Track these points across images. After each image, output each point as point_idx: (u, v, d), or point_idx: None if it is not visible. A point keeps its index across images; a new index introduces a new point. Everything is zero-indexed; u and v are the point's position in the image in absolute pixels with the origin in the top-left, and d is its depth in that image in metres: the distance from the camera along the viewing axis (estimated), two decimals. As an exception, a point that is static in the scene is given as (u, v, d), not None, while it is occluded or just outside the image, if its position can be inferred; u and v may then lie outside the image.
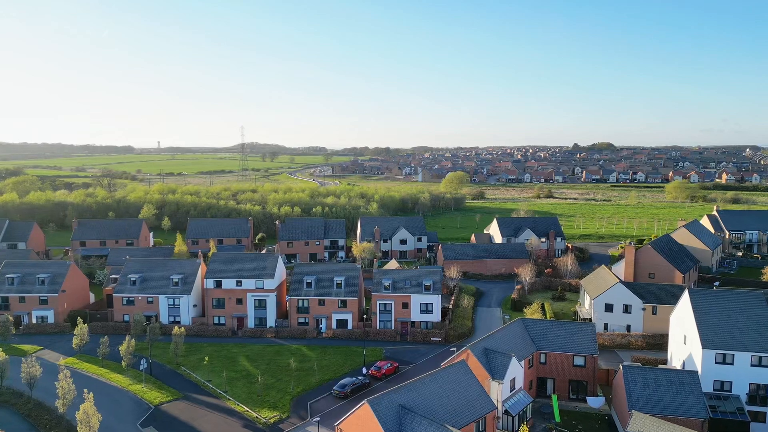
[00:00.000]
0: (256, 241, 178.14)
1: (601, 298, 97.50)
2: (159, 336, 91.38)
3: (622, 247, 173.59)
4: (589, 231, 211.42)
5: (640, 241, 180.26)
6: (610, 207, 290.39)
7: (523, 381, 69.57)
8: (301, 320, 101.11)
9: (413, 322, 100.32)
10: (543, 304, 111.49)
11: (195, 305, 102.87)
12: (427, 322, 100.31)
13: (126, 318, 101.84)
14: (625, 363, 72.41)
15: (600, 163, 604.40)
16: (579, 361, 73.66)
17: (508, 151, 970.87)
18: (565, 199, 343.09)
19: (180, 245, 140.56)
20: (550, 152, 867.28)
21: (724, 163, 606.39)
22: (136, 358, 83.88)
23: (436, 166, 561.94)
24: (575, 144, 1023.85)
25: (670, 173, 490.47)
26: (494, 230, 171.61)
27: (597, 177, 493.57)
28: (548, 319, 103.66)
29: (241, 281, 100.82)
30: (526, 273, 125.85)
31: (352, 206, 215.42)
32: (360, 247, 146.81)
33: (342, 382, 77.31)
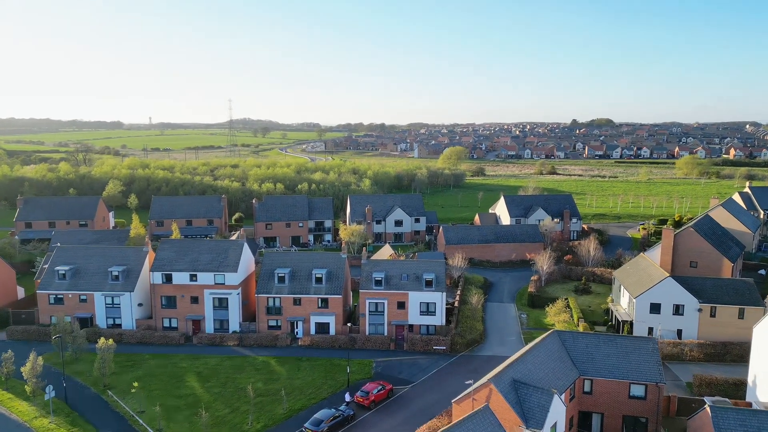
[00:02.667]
0: (233, 222, 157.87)
1: (647, 296, 78.12)
2: (86, 346, 71.70)
3: (644, 228, 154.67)
4: (602, 210, 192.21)
5: (663, 222, 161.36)
6: (620, 184, 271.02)
7: (565, 421, 50.27)
8: (272, 324, 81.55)
9: (411, 326, 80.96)
10: (567, 300, 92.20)
11: (140, 304, 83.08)
12: (428, 326, 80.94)
13: (55, 320, 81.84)
14: (709, 400, 53.23)
15: (601, 138, 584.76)
16: (637, 390, 54.32)
17: (506, 127, 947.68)
18: (570, 175, 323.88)
19: (137, 227, 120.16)
20: (548, 128, 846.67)
21: (728, 139, 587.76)
22: (44, 382, 63.87)
23: (433, 142, 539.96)
24: (574, 120, 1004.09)
25: (676, 149, 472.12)
26: (501, 210, 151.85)
27: (600, 153, 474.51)
28: (576, 321, 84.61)
29: (196, 275, 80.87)
30: (543, 260, 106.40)
31: (342, 183, 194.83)
32: (348, 230, 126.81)
33: (317, 416, 57.85)
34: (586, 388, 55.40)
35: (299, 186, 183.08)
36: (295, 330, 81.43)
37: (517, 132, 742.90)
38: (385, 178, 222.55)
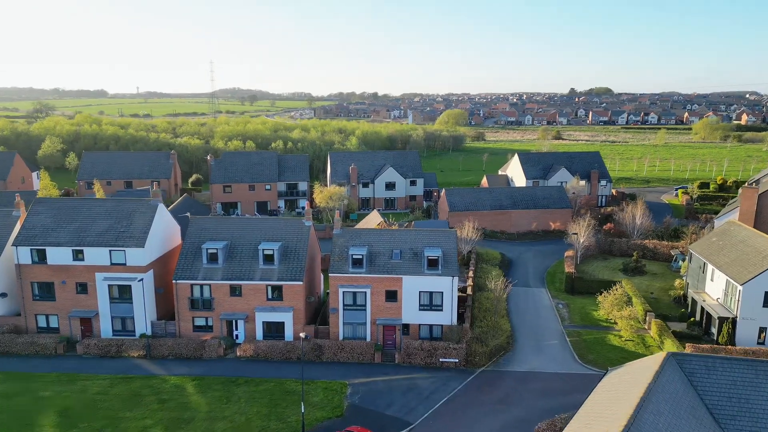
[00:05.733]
0: (189, 185, 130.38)
1: (758, 282, 52.04)
2: None
3: (684, 193, 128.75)
4: (626, 174, 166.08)
5: (705, 185, 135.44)
6: (636, 147, 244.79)
7: None
8: (200, 323, 55.05)
9: (406, 327, 54.68)
10: (622, 286, 66.08)
11: (4, 294, 56.15)
12: (431, 327, 54.67)
13: None
14: None
15: (603, 106, 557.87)
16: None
17: (502, 96, 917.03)
18: (576, 140, 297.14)
19: (48, 188, 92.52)
20: (546, 96, 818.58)
21: (735, 106, 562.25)
22: None
23: (428, 109, 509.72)
24: (572, 89, 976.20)
25: (685, 114, 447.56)
26: (515, 170, 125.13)
27: (605, 119, 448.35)
28: (642, 316, 58.80)
29: (82, 251, 53.85)
30: (580, 230, 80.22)
31: (325, 142, 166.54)
32: (326, 193, 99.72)
33: None
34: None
35: (273, 144, 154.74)
36: (234, 333, 55.00)
37: (515, 100, 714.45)
38: (376, 139, 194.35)
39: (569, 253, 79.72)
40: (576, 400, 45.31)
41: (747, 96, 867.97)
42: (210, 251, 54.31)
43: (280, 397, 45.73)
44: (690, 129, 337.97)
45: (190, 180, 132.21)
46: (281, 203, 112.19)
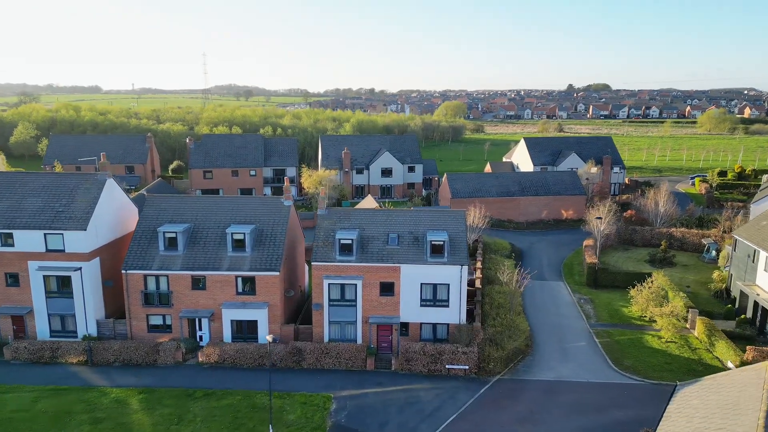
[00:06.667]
0: (169, 172, 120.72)
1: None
2: None
3: (703, 181, 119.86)
4: (636, 163, 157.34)
5: (723, 173, 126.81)
6: (642, 139, 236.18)
7: None
8: (155, 323, 45.68)
9: (405, 327, 45.41)
10: (653, 279, 56.87)
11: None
12: (435, 326, 45.41)
13: None
14: None
15: (602, 101, 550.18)
16: None
17: (500, 92, 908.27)
18: (578, 133, 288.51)
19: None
20: (545, 92, 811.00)
21: (735, 101, 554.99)
22: None
23: (426, 103, 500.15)
24: (570, 85, 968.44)
25: (687, 108, 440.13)
26: (520, 156, 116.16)
27: (605, 113, 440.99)
28: (684, 312, 49.79)
29: (11, 235, 44.40)
30: (599, 217, 71.14)
31: (317, 129, 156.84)
32: (316, 177, 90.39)
33: None
34: None
35: (261, 130, 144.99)
36: (198, 334, 45.67)
37: (513, 95, 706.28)
38: (371, 128, 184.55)
39: (588, 242, 70.61)
40: (617, 418, 36.26)
41: (746, 92, 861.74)
42: (168, 235, 44.91)
43: (246, 414, 36.48)
44: (695, 122, 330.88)
45: (171, 167, 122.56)
46: (267, 190, 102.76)
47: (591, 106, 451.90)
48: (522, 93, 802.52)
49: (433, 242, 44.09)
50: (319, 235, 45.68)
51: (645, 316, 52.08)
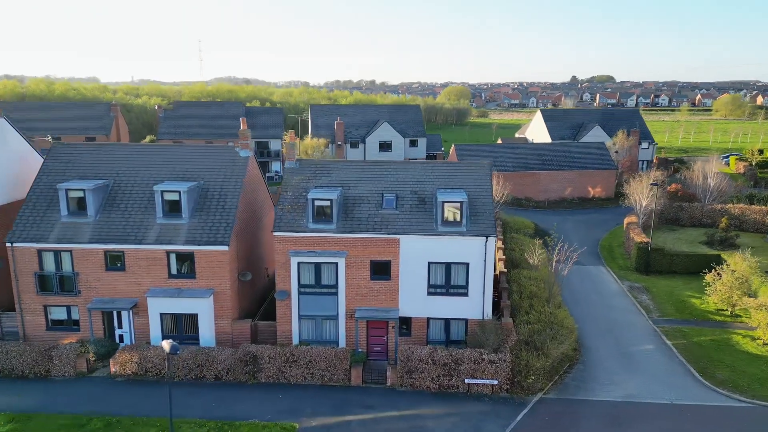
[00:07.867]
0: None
1: None
2: None
3: (740, 160, 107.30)
4: (659, 143, 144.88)
5: (762, 152, 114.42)
6: (659, 123, 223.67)
7: None
8: (58, 316, 32.81)
9: (406, 323, 32.43)
10: (730, 263, 43.88)
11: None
12: (448, 322, 32.42)
13: None
14: None
15: (608, 90, 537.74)
16: None
17: (503, 84, 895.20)
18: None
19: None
20: (549, 84, 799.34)
21: (745, 91, 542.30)
22: None
23: (428, 92, 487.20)
24: (573, 77, 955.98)
25: (698, 96, 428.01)
26: (536, 131, 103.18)
27: (613, 101, 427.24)
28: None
29: None
30: (641, 193, 58.39)
31: (309, 103, 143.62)
32: (303, 147, 77.39)
33: None
34: None
35: (248, 104, 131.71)
36: (117, 332, 32.77)
37: (516, 86, 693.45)
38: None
39: (631, 218, 57.65)
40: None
41: (752, 84, 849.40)
42: (73, 194, 31.93)
43: (162, 459, 23.60)
44: (710, 109, 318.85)
45: (143, 141, 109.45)
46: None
47: (598, 95, 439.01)
48: (525, 84, 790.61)
49: (447, 203, 31.04)
50: (285, 195, 32.69)
51: (725, 310, 39.25)
